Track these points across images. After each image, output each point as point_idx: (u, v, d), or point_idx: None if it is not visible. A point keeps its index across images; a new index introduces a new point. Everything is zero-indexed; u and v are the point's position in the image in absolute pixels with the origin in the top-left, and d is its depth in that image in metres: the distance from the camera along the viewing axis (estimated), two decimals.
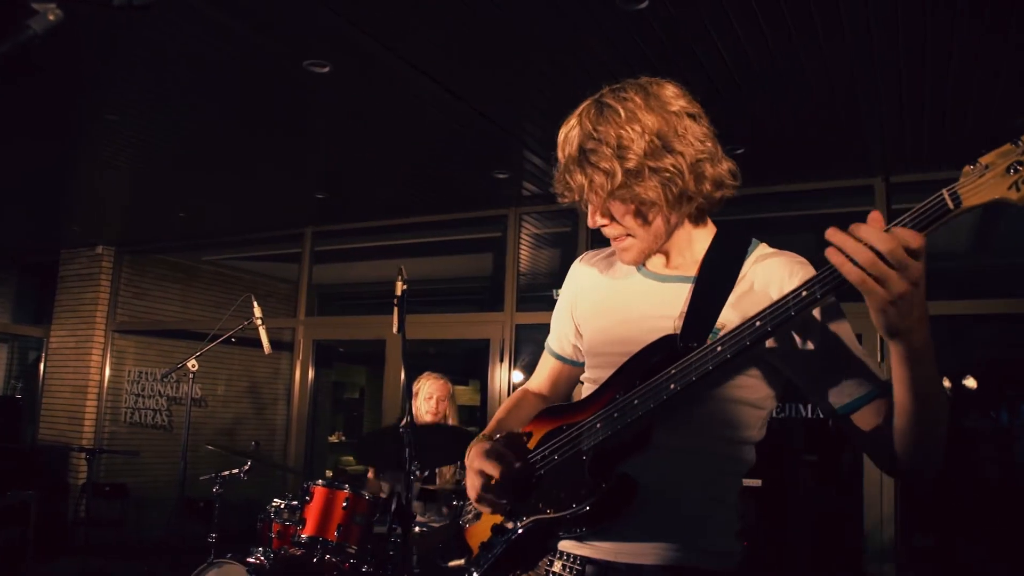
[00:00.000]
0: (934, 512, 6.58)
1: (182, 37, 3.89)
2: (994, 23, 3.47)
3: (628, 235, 1.60)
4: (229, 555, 4.22)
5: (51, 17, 1.02)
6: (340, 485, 4.25)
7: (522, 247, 6.89)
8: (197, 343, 5.30)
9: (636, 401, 1.49)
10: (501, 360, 6.64)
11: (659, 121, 1.51)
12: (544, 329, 1.96)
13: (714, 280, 1.58)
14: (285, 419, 8.51)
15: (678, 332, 1.53)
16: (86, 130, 5.28)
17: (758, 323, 1.37)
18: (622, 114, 1.51)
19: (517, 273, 6.76)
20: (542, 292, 7.25)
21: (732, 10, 3.46)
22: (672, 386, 1.44)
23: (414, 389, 5.01)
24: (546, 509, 1.59)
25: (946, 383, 9.11)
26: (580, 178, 1.54)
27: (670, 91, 1.55)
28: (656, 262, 1.69)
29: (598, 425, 1.55)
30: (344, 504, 4.16)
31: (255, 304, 5.11)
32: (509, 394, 6.27)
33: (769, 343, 1.49)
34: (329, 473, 9.23)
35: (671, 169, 1.50)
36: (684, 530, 1.53)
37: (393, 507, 4.17)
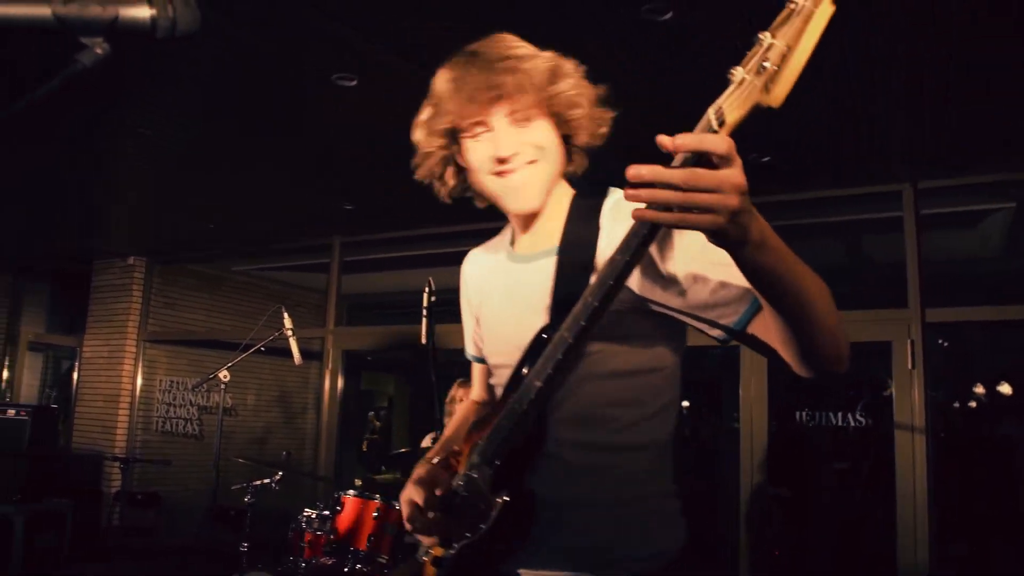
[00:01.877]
0: (968, 519, 6.51)
1: (213, 53, 3.94)
2: (1019, 26, 3.44)
3: (532, 161, 1.50)
4: (260, 565, 4.26)
5: (99, 51, 1.04)
6: (371, 495, 4.28)
7: None
8: (227, 352, 5.35)
9: (515, 406, 1.40)
10: None
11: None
12: None
13: (575, 248, 1.48)
14: (314, 428, 8.56)
15: (547, 322, 1.46)
16: (119, 143, 5.34)
17: (589, 299, 1.25)
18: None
19: None
20: None
21: (756, 18, 3.45)
22: (537, 383, 1.34)
23: (448, 397, 5.09)
24: (465, 533, 1.51)
25: (979, 389, 9.02)
26: (514, 78, 1.45)
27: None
28: (524, 238, 1.63)
29: (493, 435, 1.47)
30: (375, 514, 4.19)
31: (286, 315, 5.17)
32: None
33: (639, 290, 1.41)
34: (358, 482, 9.27)
35: (573, 81, 1.51)
36: (607, 540, 1.46)
37: None
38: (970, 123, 4.47)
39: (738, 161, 1.00)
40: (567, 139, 1.56)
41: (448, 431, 1.86)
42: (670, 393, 1.53)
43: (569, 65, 1.52)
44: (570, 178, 1.63)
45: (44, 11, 1.05)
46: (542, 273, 1.52)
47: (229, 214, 7.21)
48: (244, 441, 9.11)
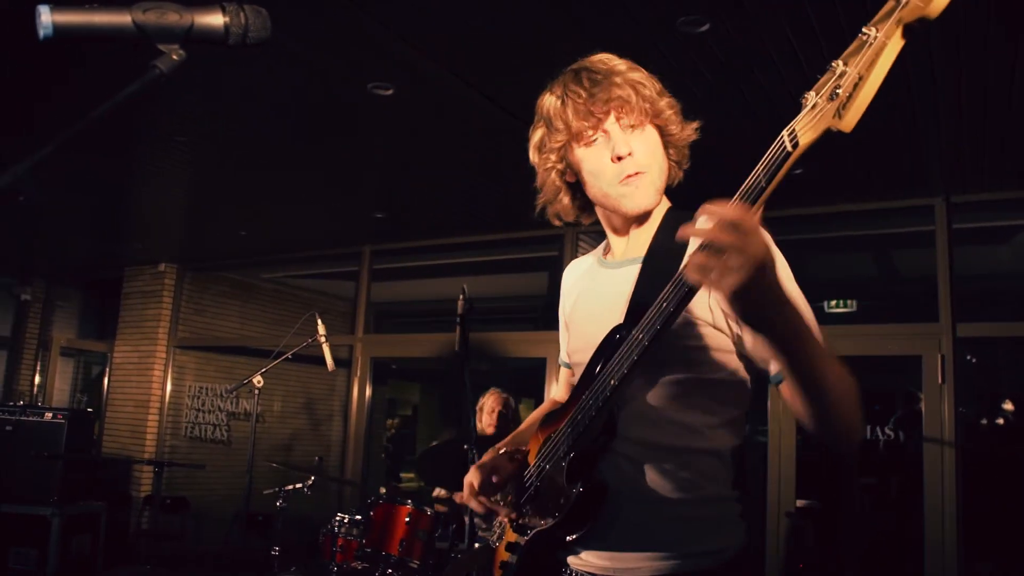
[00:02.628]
0: (997, 536, 6.44)
1: (248, 60, 3.99)
2: None
3: (645, 162, 1.59)
4: (293, 568, 4.30)
5: (175, 57, 1.09)
6: (402, 500, 4.32)
7: None
8: (255, 359, 5.40)
9: (591, 401, 1.49)
10: (556, 379, 6.62)
11: None
12: None
13: (661, 256, 1.54)
14: (341, 435, 8.58)
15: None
16: (152, 150, 5.41)
17: (664, 303, 1.31)
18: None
19: None
20: None
21: (793, 33, 3.47)
22: (612, 382, 1.43)
23: (478, 405, 5.13)
24: (540, 521, 1.59)
25: (1008, 406, 8.91)
26: (622, 91, 1.56)
27: None
28: (618, 247, 1.70)
29: (568, 430, 1.55)
30: (407, 519, 4.22)
31: (319, 322, 5.21)
32: None
33: (716, 314, 1.48)
34: (383, 489, 9.30)
35: (669, 100, 1.63)
36: (668, 534, 1.50)
37: (454, 523, 4.22)
38: (1004, 137, 4.46)
39: (755, 233, 1.08)
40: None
41: (523, 425, 1.94)
42: (742, 405, 1.59)
43: (659, 84, 1.63)
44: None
45: (125, 19, 1.10)
46: (627, 279, 1.59)
47: (260, 221, 7.29)
48: (270, 447, 9.14)
